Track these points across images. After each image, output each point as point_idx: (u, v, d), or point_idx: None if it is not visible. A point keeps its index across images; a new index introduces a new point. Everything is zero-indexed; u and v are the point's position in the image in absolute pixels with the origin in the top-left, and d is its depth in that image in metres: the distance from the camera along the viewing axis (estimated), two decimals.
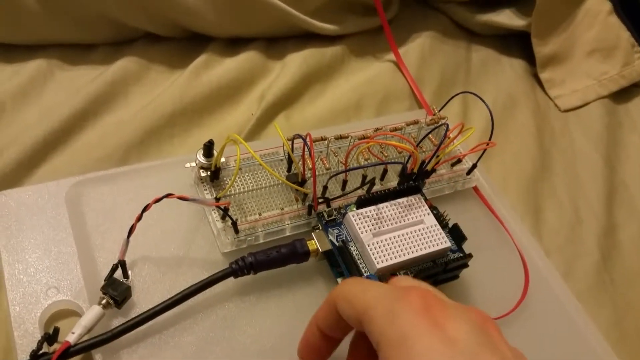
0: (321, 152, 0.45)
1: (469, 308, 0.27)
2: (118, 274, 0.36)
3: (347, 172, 0.42)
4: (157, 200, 0.36)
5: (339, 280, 0.40)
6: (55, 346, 0.34)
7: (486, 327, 0.26)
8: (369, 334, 0.27)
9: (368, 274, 0.38)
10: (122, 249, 0.36)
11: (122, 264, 0.36)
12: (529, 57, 0.66)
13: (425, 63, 0.61)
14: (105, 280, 0.35)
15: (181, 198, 0.37)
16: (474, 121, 0.58)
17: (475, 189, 0.50)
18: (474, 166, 0.48)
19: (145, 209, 0.36)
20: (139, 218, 0.36)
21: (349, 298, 0.29)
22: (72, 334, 0.32)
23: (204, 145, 0.40)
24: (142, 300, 0.37)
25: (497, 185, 0.51)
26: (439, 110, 0.51)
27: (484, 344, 0.25)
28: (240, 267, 0.37)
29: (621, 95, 0.66)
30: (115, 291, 0.35)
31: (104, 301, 0.34)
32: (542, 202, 0.53)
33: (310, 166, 0.40)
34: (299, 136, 0.40)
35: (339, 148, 0.46)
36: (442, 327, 0.25)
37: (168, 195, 0.36)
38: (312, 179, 0.40)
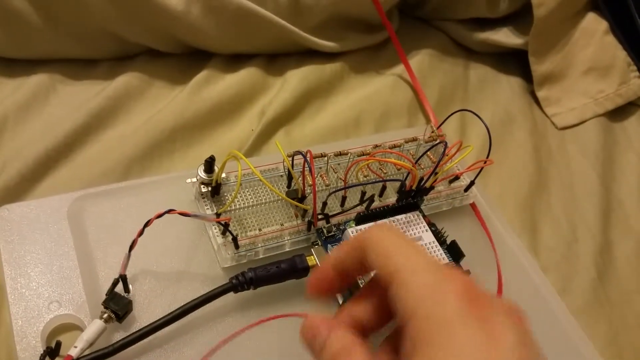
0: (321, 168, 0.46)
1: (508, 304, 0.27)
2: (119, 288, 0.37)
3: (347, 189, 0.43)
4: (159, 216, 0.37)
5: (338, 296, 0.40)
6: None
7: (523, 325, 0.26)
8: (395, 298, 0.26)
9: None
10: (124, 263, 0.36)
11: (123, 278, 0.37)
12: (527, 75, 0.66)
13: (424, 80, 0.62)
14: (106, 294, 0.36)
15: (182, 214, 0.37)
16: (471, 138, 0.58)
17: (473, 205, 0.50)
18: (472, 183, 0.48)
19: (147, 224, 0.37)
20: (141, 233, 0.37)
21: (385, 250, 0.27)
22: (75, 348, 0.33)
23: (205, 161, 0.41)
24: (143, 314, 0.37)
25: (494, 202, 0.52)
26: (437, 128, 0.51)
27: (522, 343, 0.24)
28: (240, 282, 0.38)
29: (617, 113, 0.66)
30: (117, 305, 0.35)
31: (105, 315, 0.35)
32: (538, 219, 0.54)
33: (310, 182, 0.41)
34: (299, 153, 0.41)
35: (338, 164, 0.47)
36: (487, 323, 0.24)
37: (170, 211, 0.37)
38: (312, 195, 0.40)
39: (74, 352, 0.33)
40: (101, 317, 0.35)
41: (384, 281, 0.27)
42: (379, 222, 0.29)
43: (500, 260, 0.46)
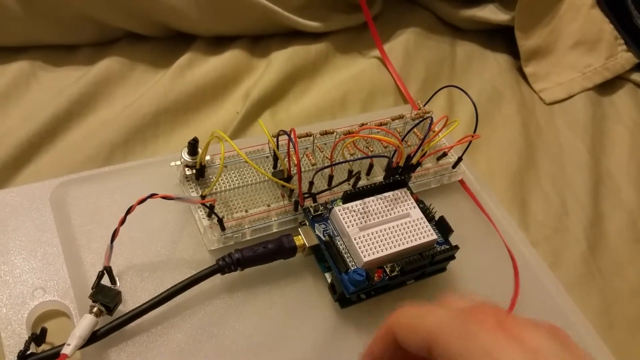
0: (307, 148, 0.45)
1: (537, 320, 0.28)
2: (105, 279, 0.36)
3: (333, 168, 0.43)
4: (141, 202, 0.36)
5: (327, 275, 0.40)
6: (43, 347, 0.34)
7: (559, 334, 0.26)
8: (442, 358, 0.26)
9: (355, 267, 0.38)
10: (107, 254, 0.36)
11: (108, 270, 0.36)
12: (514, 51, 0.66)
13: (410, 59, 0.62)
14: (93, 288, 0.35)
15: (165, 197, 0.36)
16: (459, 115, 0.58)
17: (462, 182, 0.50)
18: (460, 159, 0.48)
19: (128, 212, 0.36)
20: (123, 221, 0.36)
21: (411, 327, 0.28)
22: (68, 345, 0.32)
23: (189, 143, 0.40)
24: (131, 301, 0.36)
25: (484, 178, 0.52)
26: (424, 105, 0.51)
27: (563, 349, 0.25)
28: (227, 263, 0.37)
29: (605, 87, 0.66)
30: (106, 298, 0.34)
31: (95, 309, 0.34)
32: (528, 193, 0.54)
33: (296, 162, 0.40)
34: (284, 132, 0.40)
35: (325, 144, 0.46)
36: (520, 339, 0.25)
37: (152, 196, 0.36)
38: (297, 175, 0.39)
39: (67, 350, 0.32)
40: (91, 312, 0.33)
41: (426, 355, 0.27)
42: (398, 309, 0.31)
43: (493, 237, 0.46)
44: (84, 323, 0.33)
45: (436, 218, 0.43)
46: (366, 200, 0.41)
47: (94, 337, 0.33)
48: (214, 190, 0.41)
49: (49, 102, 0.48)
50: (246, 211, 0.41)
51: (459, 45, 0.67)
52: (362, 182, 0.44)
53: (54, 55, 0.52)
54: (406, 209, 0.41)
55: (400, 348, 0.29)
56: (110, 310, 0.34)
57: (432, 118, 0.45)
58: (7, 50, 0.52)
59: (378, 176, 0.46)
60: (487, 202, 0.49)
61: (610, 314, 0.47)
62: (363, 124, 0.47)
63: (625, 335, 0.46)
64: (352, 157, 0.45)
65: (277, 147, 0.41)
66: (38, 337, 0.33)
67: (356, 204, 0.40)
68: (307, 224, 0.41)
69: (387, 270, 0.38)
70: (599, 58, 0.65)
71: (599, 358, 0.42)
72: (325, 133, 0.45)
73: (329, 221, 0.41)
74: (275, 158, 0.43)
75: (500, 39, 0.68)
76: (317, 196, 0.42)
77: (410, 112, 0.50)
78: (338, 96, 0.56)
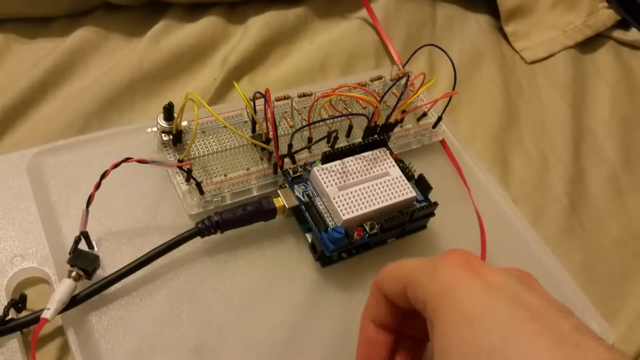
0: (285, 112, 0.45)
1: (508, 267, 0.29)
2: (83, 244, 0.36)
3: (312, 128, 0.42)
4: (116, 166, 0.36)
5: (307, 235, 0.40)
6: (24, 313, 0.34)
7: (526, 277, 0.28)
8: (413, 299, 0.28)
9: (334, 225, 0.38)
10: (83, 219, 0.35)
11: (84, 234, 0.36)
12: (494, 11, 0.66)
13: (390, 21, 0.61)
14: (70, 253, 0.35)
15: (140, 161, 0.36)
16: (440, 77, 0.58)
17: (443, 142, 0.50)
18: (439, 119, 0.48)
19: (103, 176, 0.35)
20: (98, 186, 0.35)
21: (392, 274, 0.31)
22: (48, 310, 0.32)
23: (164, 107, 0.40)
24: (111, 267, 0.36)
25: (465, 138, 0.52)
26: (404, 66, 0.51)
27: (523, 286, 0.26)
28: (207, 226, 0.37)
29: (587, 45, 0.66)
30: (84, 262, 0.34)
31: (74, 274, 0.34)
32: (509, 152, 0.54)
33: (271, 123, 0.40)
34: (260, 94, 0.40)
35: (304, 107, 0.46)
36: (483, 276, 0.26)
37: (127, 160, 0.36)
38: (272, 134, 0.39)
39: (48, 314, 0.32)
40: (70, 276, 0.33)
41: (405, 300, 0.30)
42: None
43: (472, 194, 0.46)
44: (63, 287, 0.33)
45: (416, 176, 0.43)
46: (345, 160, 0.41)
47: (73, 302, 0.33)
48: (192, 155, 0.41)
49: (23, 73, 0.47)
50: (225, 175, 0.41)
51: (439, 7, 0.66)
52: (342, 144, 0.44)
53: (28, 28, 0.52)
54: (385, 168, 0.41)
55: (391, 304, 0.31)
56: (88, 275, 0.34)
57: (408, 75, 0.44)
58: None
59: (357, 138, 0.46)
60: (467, 161, 0.49)
61: (593, 268, 0.48)
62: (341, 86, 0.46)
63: (608, 288, 0.47)
64: (329, 116, 0.45)
65: (255, 111, 0.41)
66: (17, 303, 0.33)
67: (335, 164, 0.40)
68: (287, 185, 0.41)
69: (367, 228, 0.38)
70: (579, 15, 0.65)
71: (582, 311, 0.43)
72: (303, 95, 0.45)
73: (308, 182, 0.41)
74: (253, 122, 0.43)
75: None
76: (295, 157, 0.42)
77: (390, 73, 0.49)
78: (317, 60, 0.56)
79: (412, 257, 0.31)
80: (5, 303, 0.34)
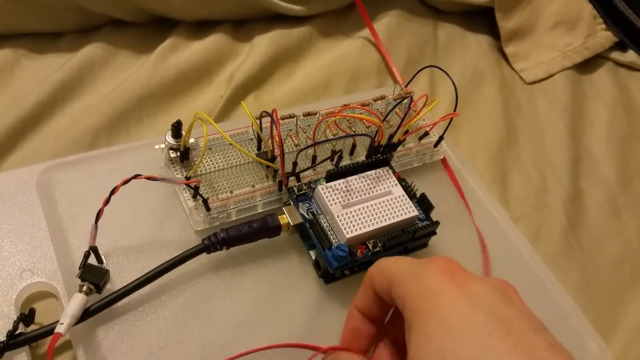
0: (290, 129, 0.46)
1: (491, 277, 0.30)
2: (92, 259, 0.36)
3: (316, 148, 0.43)
4: (125, 182, 0.36)
5: (311, 252, 0.41)
6: (32, 327, 0.35)
7: (506, 290, 0.29)
8: (395, 297, 0.29)
9: (338, 243, 0.39)
10: (92, 234, 0.36)
11: (93, 249, 0.36)
12: (494, 32, 0.67)
13: (392, 41, 0.62)
14: (80, 267, 0.35)
15: (149, 178, 0.37)
16: (441, 97, 0.58)
17: (444, 161, 0.51)
18: (441, 138, 0.49)
19: (113, 192, 0.36)
20: (107, 201, 0.36)
21: (381, 271, 0.31)
22: (61, 324, 0.32)
23: (172, 125, 0.40)
24: (119, 282, 0.37)
25: (465, 157, 0.53)
26: (406, 86, 0.51)
27: (504, 300, 0.27)
28: (213, 242, 0.38)
29: (585, 66, 0.67)
30: (95, 277, 0.35)
31: (84, 288, 0.34)
32: (509, 171, 0.54)
33: (278, 142, 0.41)
34: (267, 113, 0.41)
35: (308, 125, 0.47)
36: (464, 286, 0.27)
37: (136, 176, 0.36)
38: (279, 153, 0.40)
39: (61, 329, 0.32)
40: (81, 291, 0.34)
41: (389, 296, 0.30)
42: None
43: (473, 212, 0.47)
44: (75, 301, 0.33)
45: (418, 195, 0.44)
46: (349, 179, 0.42)
47: (84, 315, 0.34)
48: (199, 172, 0.42)
49: (33, 89, 0.48)
50: (231, 192, 0.41)
51: (441, 28, 0.67)
52: (346, 162, 0.45)
53: (38, 43, 0.53)
54: (388, 187, 0.42)
55: (379, 297, 0.32)
56: (99, 289, 0.35)
57: (412, 97, 0.45)
58: None
59: (361, 156, 0.46)
60: (468, 180, 0.50)
61: (591, 287, 0.48)
62: (345, 105, 0.47)
63: (605, 307, 0.48)
64: (334, 137, 0.46)
65: (261, 129, 0.42)
66: (27, 317, 0.34)
67: (339, 183, 0.41)
68: (292, 203, 0.41)
69: (370, 246, 0.39)
70: (578, 37, 0.66)
71: (580, 330, 0.43)
72: (308, 114, 0.46)
73: (312, 200, 0.41)
74: (259, 139, 0.44)
75: (481, 20, 0.69)
76: (300, 176, 0.42)
77: (392, 92, 0.50)
78: (321, 79, 0.57)
79: (403, 257, 0.32)
80: (14, 315, 0.34)
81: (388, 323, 0.33)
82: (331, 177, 0.42)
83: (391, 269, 0.30)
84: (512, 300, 0.27)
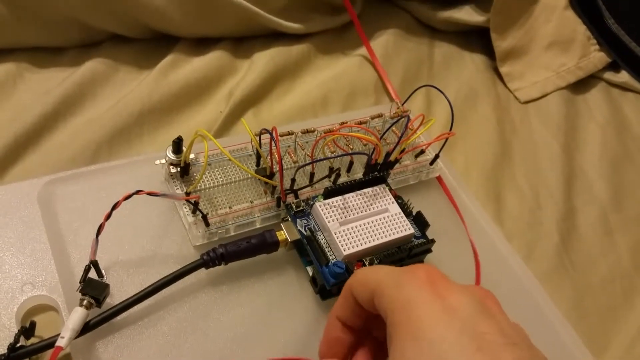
0: (289, 146, 0.47)
1: (471, 285, 0.30)
2: (92, 273, 0.37)
3: (314, 165, 0.44)
4: (127, 197, 0.37)
5: (308, 268, 0.42)
6: (33, 340, 0.35)
7: (486, 300, 0.29)
8: (378, 307, 0.29)
9: (335, 260, 0.39)
10: (93, 248, 0.36)
11: (94, 264, 0.37)
12: (490, 52, 0.68)
13: (389, 60, 0.63)
14: (80, 282, 0.36)
15: (151, 194, 0.37)
16: (437, 115, 0.60)
17: (439, 178, 0.51)
18: (437, 156, 0.49)
19: (114, 207, 0.37)
20: (108, 216, 0.37)
21: (362, 280, 0.31)
22: (62, 338, 0.33)
23: (173, 141, 0.41)
24: (120, 297, 0.37)
25: (460, 175, 0.53)
26: (402, 104, 0.52)
27: (481, 312, 0.27)
28: (212, 258, 0.39)
29: (579, 86, 0.68)
30: (95, 290, 0.35)
31: (85, 302, 0.35)
32: (503, 189, 0.55)
33: (277, 160, 0.42)
34: (266, 131, 0.41)
35: (306, 142, 0.48)
36: (443, 297, 0.27)
37: (138, 192, 0.37)
38: (279, 170, 0.41)
39: (62, 343, 0.32)
40: (81, 305, 0.34)
41: (371, 306, 0.30)
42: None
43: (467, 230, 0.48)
44: (76, 315, 0.34)
45: (414, 213, 0.44)
46: (346, 196, 0.42)
47: (84, 329, 0.34)
48: (199, 188, 0.42)
49: (35, 102, 0.48)
50: (230, 207, 0.42)
51: (437, 46, 0.68)
52: (343, 179, 0.46)
53: (40, 57, 0.53)
54: (385, 205, 0.43)
55: (359, 307, 0.32)
56: (99, 303, 0.35)
57: (409, 117, 0.46)
58: None
59: (358, 173, 0.47)
60: (463, 198, 0.51)
61: (583, 305, 0.49)
62: (343, 123, 0.48)
63: (597, 325, 0.48)
64: (332, 155, 0.46)
65: (260, 146, 0.42)
66: (27, 330, 0.34)
67: (336, 200, 0.42)
68: (289, 219, 0.42)
69: (367, 263, 0.40)
70: (572, 58, 0.68)
71: (572, 348, 0.44)
72: (306, 131, 0.47)
73: (310, 216, 0.42)
74: (258, 156, 0.45)
75: (477, 40, 0.70)
76: (298, 192, 0.43)
77: (389, 111, 0.51)
78: (319, 96, 0.57)
79: (383, 265, 0.33)
80: (15, 328, 0.35)
81: (367, 321, 0.33)
82: (329, 194, 0.42)
83: (371, 279, 0.30)
84: (491, 312, 0.28)
